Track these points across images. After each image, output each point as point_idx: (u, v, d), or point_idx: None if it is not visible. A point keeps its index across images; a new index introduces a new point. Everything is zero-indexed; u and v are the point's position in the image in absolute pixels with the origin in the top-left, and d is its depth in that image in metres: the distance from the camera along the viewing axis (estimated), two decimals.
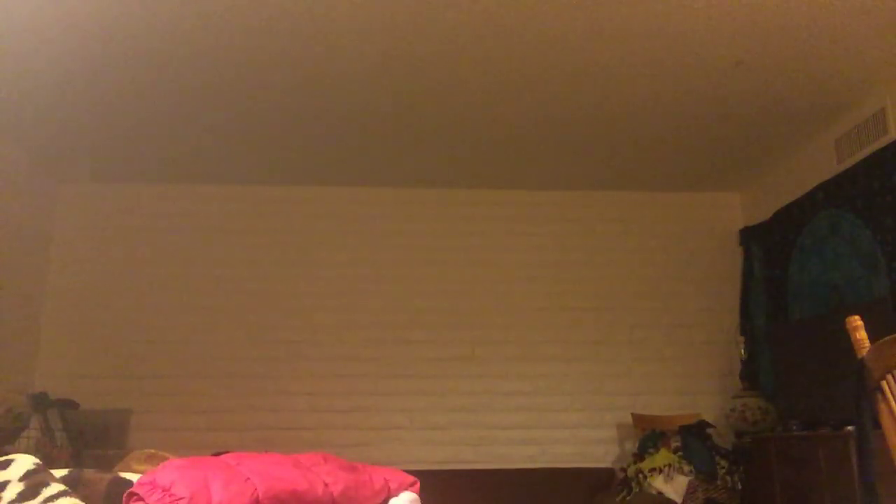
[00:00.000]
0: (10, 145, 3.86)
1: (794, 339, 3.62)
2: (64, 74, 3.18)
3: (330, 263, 4.49)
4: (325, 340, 4.38)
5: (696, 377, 4.46)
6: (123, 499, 1.43)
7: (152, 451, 1.83)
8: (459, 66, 3.17)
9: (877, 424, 1.47)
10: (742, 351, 4.31)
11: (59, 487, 1.35)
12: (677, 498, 3.63)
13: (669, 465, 3.74)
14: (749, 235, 4.55)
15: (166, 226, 4.47)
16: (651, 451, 3.89)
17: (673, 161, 4.21)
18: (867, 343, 1.50)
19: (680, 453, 3.78)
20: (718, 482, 3.68)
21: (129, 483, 1.48)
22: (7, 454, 1.43)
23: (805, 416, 3.48)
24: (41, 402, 3.74)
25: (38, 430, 3.66)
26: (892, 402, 1.39)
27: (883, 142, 3.35)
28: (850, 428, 2.88)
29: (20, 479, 1.34)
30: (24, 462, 1.39)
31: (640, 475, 3.78)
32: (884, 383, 1.42)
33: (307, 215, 4.56)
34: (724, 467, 3.71)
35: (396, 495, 1.80)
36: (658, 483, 3.70)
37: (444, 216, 4.58)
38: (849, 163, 3.59)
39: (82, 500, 1.37)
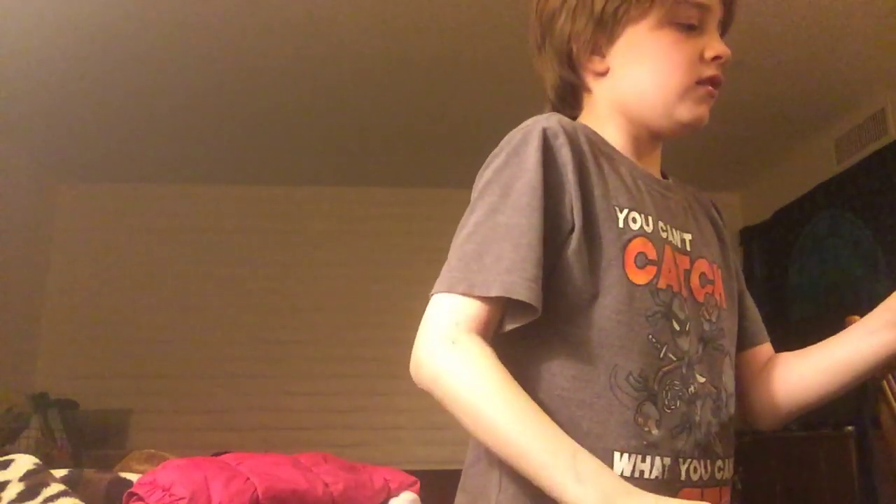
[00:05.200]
0: (10, 145, 3.86)
1: (794, 339, 3.61)
2: (64, 74, 3.18)
3: (330, 263, 4.49)
4: (325, 340, 4.38)
5: None
6: (123, 499, 1.43)
7: (152, 451, 1.82)
8: (460, 67, 3.17)
9: (877, 424, 1.47)
10: None
11: (59, 487, 1.35)
12: None
13: None
14: (749, 235, 4.55)
15: (166, 226, 4.47)
16: None
17: (673, 161, 4.20)
18: None
19: None
20: None
21: (129, 483, 1.48)
22: (7, 454, 1.43)
23: (805, 416, 3.48)
24: (41, 402, 3.74)
25: (38, 430, 3.66)
26: (893, 402, 1.39)
27: (883, 142, 3.35)
28: (850, 428, 2.88)
29: (20, 479, 1.34)
30: (24, 462, 1.39)
31: None
32: (884, 383, 1.42)
33: (307, 215, 4.56)
34: None
35: (396, 495, 1.80)
36: None
37: (444, 216, 4.57)
38: (849, 163, 3.59)
39: (82, 500, 1.37)
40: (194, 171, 4.34)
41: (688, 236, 0.95)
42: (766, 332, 1.08)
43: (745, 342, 1.05)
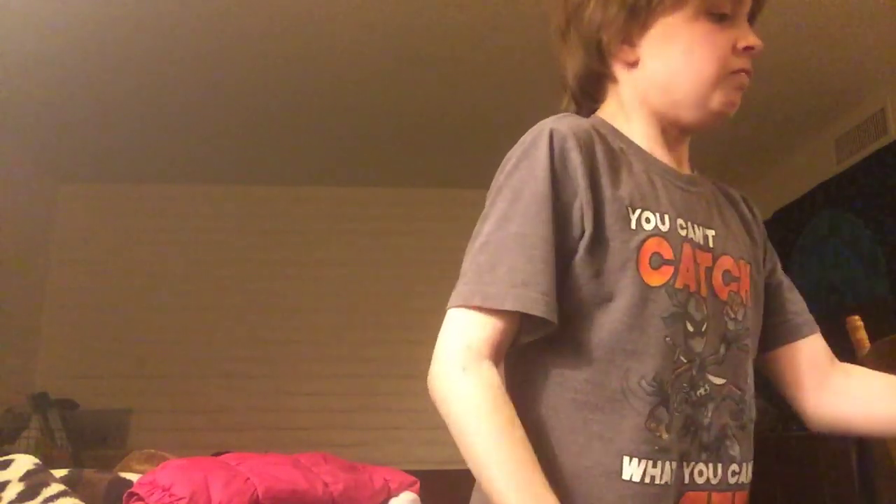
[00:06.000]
0: (10, 145, 3.86)
1: None
2: (64, 74, 3.18)
3: (330, 263, 4.49)
4: (325, 340, 4.38)
5: None
6: (123, 499, 1.44)
7: (152, 451, 1.82)
8: (460, 67, 3.17)
9: None
10: None
11: (59, 487, 1.35)
12: None
13: None
14: None
15: (166, 226, 4.47)
16: None
17: None
18: (867, 343, 1.50)
19: None
20: None
21: (129, 483, 1.48)
22: (7, 454, 1.43)
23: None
24: (41, 402, 3.73)
25: (38, 430, 3.66)
26: None
27: (883, 142, 3.34)
28: None
29: (20, 479, 1.34)
30: (24, 462, 1.39)
31: None
32: None
33: (307, 215, 4.56)
34: None
35: (396, 495, 1.80)
36: None
37: (444, 216, 4.58)
38: (849, 163, 3.59)
39: (82, 500, 1.37)
40: (194, 171, 4.34)
41: (711, 232, 0.93)
42: (814, 323, 1.04)
43: (794, 333, 1.02)
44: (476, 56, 3.08)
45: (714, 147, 4.01)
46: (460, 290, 0.84)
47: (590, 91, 0.99)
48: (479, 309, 0.81)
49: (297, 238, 4.52)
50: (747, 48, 0.92)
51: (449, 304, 0.84)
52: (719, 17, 0.91)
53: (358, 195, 4.59)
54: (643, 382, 0.82)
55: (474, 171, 4.68)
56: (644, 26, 0.92)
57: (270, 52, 3.04)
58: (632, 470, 0.81)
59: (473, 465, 0.80)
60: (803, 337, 1.02)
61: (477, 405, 0.79)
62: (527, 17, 2.79)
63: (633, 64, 0.94)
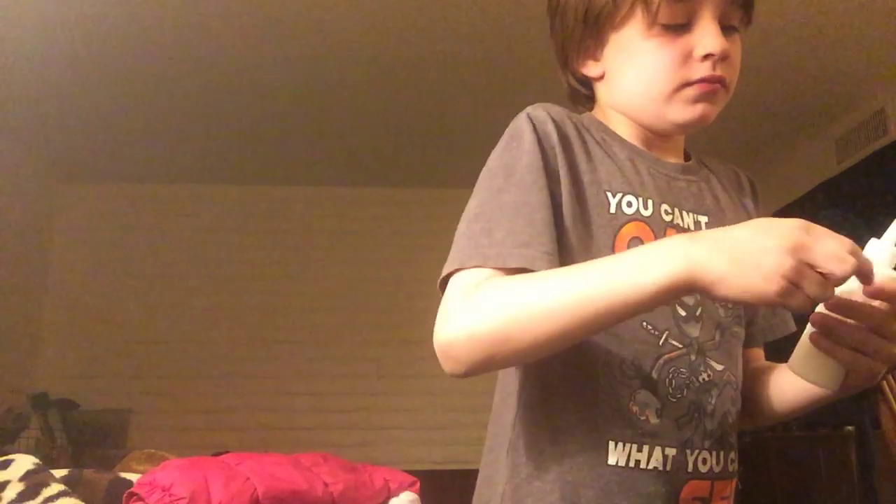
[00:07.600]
0: (11, 145, 3.86)
1: (794, 339, 3.61)
2: (64, 74, 3.18)
3: (330, 263, 4.49)
4: (325, 340, 4.38)
5: None
6: (123, 499, 1.44)
7: (152, 451, 1.83)
8: (460, 67, 3.17)
9: (877, 424, 1.47)
10: None
11: (59, 487, 1.35)
12: None
13: None
14: None
15: (166, 226, 4.47)
16: None
17: None
18: None
19: None
20: None
21: (129, 483, 1.48)
22: (7, 454, 1.43)
23: (805, 415, 3.48)
24: (41, 402, 3.74)
25: (38, 430, 3.66)
26: (893, 402, 1.39)
27: (883, 142, 3.34)
28: (850, 428, 2.88)
29: (20, 479, 1.34)
30: (24, 462, 1.39)
31: None
32: (884, 383, 1.42)
33: (307, 215, 4.56)
34: None
35: (396, 495, 1.80)
36: None
37: (444, 216, 4.57)
38: (849, 163, 3.59)
39: (82, 500, 1.37)
40: (194, 171, 4.34)
41: (703, 219, 0.92)
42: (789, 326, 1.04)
43: (766, 335, 1.03)
44: (475, 56, 3.08)
45: (713, 147, 4.01)
46: (454, 255, 0.81)
47: (581, 103, 1.01)
48: (479, 268, 0.79)
49: (297, 238, 4.52)
50: (707, 56, 0.85)
51: (443, 272, 0.81)
52: (675, 28, 0.85)
53: (358, 195, 4.59)
54: (623, 366, 0.82)
55: (474, 172, 4.67)
56: (599, 41, 0.91)
57: (271, 52, 3.04)
58: (616, 455, 0.81)
59: (547, 323, 0.73)
60: (768, 340, 1.04)
61: (506, 290, 0.76)
62: (526, 18, 2.79)
63: (600, 78, 0.94)
